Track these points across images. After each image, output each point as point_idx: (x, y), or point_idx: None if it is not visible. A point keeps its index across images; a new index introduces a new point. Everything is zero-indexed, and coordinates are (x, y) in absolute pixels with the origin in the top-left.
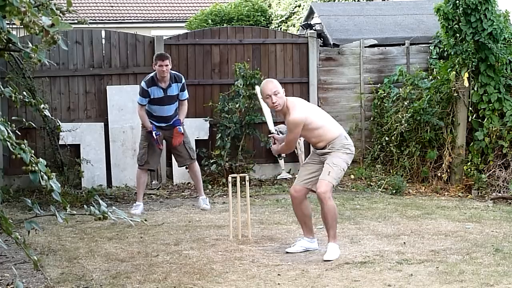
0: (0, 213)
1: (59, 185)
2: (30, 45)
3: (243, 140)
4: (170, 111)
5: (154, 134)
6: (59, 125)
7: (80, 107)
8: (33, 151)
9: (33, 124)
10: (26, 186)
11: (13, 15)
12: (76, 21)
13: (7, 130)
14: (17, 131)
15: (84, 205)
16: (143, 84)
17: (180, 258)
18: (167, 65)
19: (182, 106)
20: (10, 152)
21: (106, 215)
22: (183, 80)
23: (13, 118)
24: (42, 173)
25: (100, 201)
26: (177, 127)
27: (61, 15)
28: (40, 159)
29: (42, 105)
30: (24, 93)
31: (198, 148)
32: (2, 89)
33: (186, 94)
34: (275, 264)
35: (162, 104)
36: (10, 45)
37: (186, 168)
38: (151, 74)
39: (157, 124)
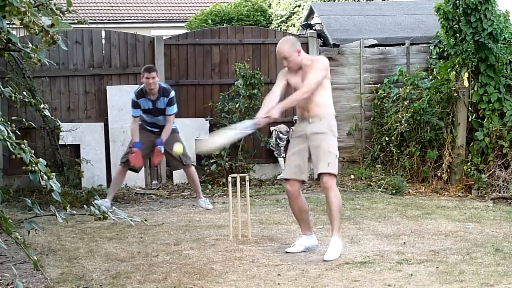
0: (0, 213)
1: (59, 185)
2: (30, 45)
3: (243, 140)
4: (162, 121)
5: (135, 148)
6: (59, 125)
7: (80, 107)
8: (33, 151)
9: (33, 124)
10: (26, 186)
11: (13, 15)
12: (76, 21)
13: (7, 130)
14: (17, 131)
15: (84, 205)
16: (133, 95)
17: (180, 258)
18: (154, 78)
19: (167, 122)
20: (10, 152)
21: (106, 215)
22: (171, 95)
23: (13, 118)
24: (42, 173)
25: (101, 201)
26: (158, 146)
27: (61, 15)
28: (40, 159)
29: (42, 105)
30: (24, 93)
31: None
32: (2, 89)
33: (173, 109)
34: (275, 264)
35: (152, 114)
36: (10, 45)
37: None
38: (141, 86)
39: (149, 128)
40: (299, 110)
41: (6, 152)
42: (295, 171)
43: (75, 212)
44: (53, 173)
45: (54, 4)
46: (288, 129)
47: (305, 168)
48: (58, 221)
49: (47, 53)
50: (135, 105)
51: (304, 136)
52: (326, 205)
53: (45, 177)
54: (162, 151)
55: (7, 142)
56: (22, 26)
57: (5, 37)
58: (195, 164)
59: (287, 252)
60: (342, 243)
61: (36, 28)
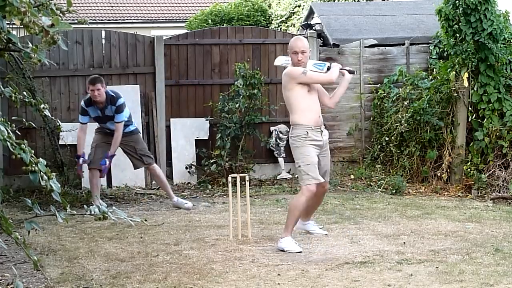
0: (0, 213)
1: (59, 185)
2: (30, 45)
3: (243, 140)
4: (113, 126)
5: (80, 161)
6: (59, 125)
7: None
8: (33, 151)
9: (33, 124)
10: (26, 186)
11: (13, 15)
12: (76, 21)
13: (7, 130)
14: (17, 131)
15: (84, 205)
16: (82, 103)
17: (180, 258)
18: (98, 89)
19: (116, 130)
20: (10, 152)
21: (106, 215)
22: (119, 102)
23: (13, 118)
24: (42, 173)
25: (100, 201)
26: (102, 165)
27: (61, 15)
28: (40, 159)
29: (42, 105)
30: (24, 93)
31: (198, 148)
32: (2, 89)
33: (121, 117)
34: (275, 264)
35: (103, 121)
36: (10, 45)
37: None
38: (88, 95)
39: (108, 131)
40: (317, 115)
41: (6, 152)
42: (319, 175)
43: (75, 212)
44: (53, 173)
45: (54, 4)
46: (288, 129)
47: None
48: (58, 221)
49: (47, 53)
50: (83, 112)
51: (323, 144)
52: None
53: (45, 177)
54: (106, 165)
55: (7, 142)
56: (22, 26)
57: (5, 37)
58: (195, 164)
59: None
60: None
61: (36, 28)
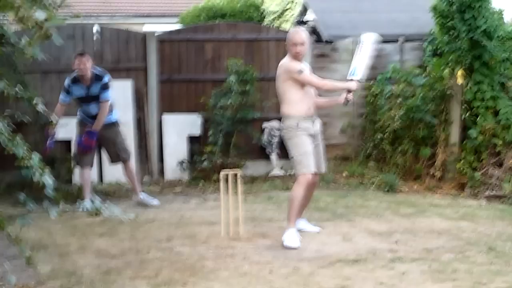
0: None
1: (53, 180)
2: (23, 40)
3: (236, 137)
4: (95, 110)
5: (49, 140)
6: (52, 121)
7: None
8: (27, 145)
9: (27, 118)
10: (17, 181)
11: (7, 10)
12: (69, 17)
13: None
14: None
15: (77, 201)
16: (66, 80)
17: (171, 254)
18: (85, 64)
19: (101, 110)
20: (2, 146)
21: (100, 211)
22: (106, 79)
23: (5, 112)
24: (34, 168)
25: (96, 196)
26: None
27: (55, 9)
28: (33, 154)
29: (35, 100)
30: (17, 88)
31: (190, 144)
32: None
33: (106, 95)
34: (267, 261)
35: (86, 102)
36: (3, 40)
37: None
38: (74, 73)
39: (90, 121)
40: (308, 106)
41: None
42: (314, 164)
43: (68, 209)
44: (47, 168)
45: None
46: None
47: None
48: (50, 217)
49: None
50: (67, 90)
51: (315, 132)
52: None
53: (37, 172)
54: (92, 137)
55: (0, 137)
56: (15, 21)
57: None
58: (187, 160)
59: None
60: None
61: (30, 22)
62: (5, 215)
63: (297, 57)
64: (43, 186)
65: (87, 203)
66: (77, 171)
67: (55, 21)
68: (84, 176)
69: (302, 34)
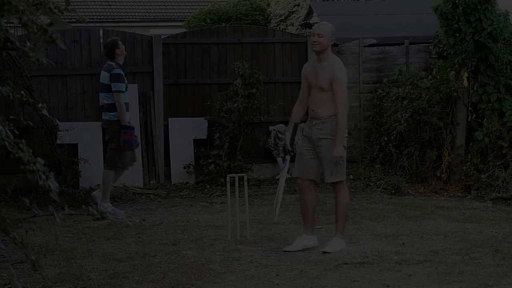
0: None
1: (57, 185)
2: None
3: (242, 140)
4: (100, 99)
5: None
6: (57, 124)
7: (78, 107)
8: (31, 150)
9: (31, 124)
10: (24, 185)
11: (11, 14)
12: (74, 20)
13: (5, 129)
14: (15, 130)
15: (83, 205)
16: (119, 69)
17: (178, 258)
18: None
19: (116, 102)
20: (7, 151)
21: (105, 215)
22: (113, 71)
23: (10, 117)
24: (40, 172)
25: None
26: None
27: (59, 14)
28: (38, 158)
29: (40, 104)
30: (22, 92)
31: (196, 148)
32: (0, 88)
33: (115, 86)
34: (274, 264)
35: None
36: (8, 44)
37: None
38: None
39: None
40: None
41: (3, 151)
42: (303, 171)
43: (73, 212)
44: (51, 173)
45: (53, 3)
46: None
47: (317, 170)
48: (56, 221)
49: (44, 52)
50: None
51: (315, 137)
52: (335, 205)
53: (43, 176)
54: (128, 134)
55: (6, 142)
56: (20, 25)
57: (3, 36)
58: (194, 164)
59: (285, 251)
60: (344, 243)
61: (35, 27)
62: (11, 219)
63: (313, 46)
64: (48, 190)
65: (108, 207)
66: (83, 174)
67: (60, 26)
68: (116, 177)
69: (319, 26)
